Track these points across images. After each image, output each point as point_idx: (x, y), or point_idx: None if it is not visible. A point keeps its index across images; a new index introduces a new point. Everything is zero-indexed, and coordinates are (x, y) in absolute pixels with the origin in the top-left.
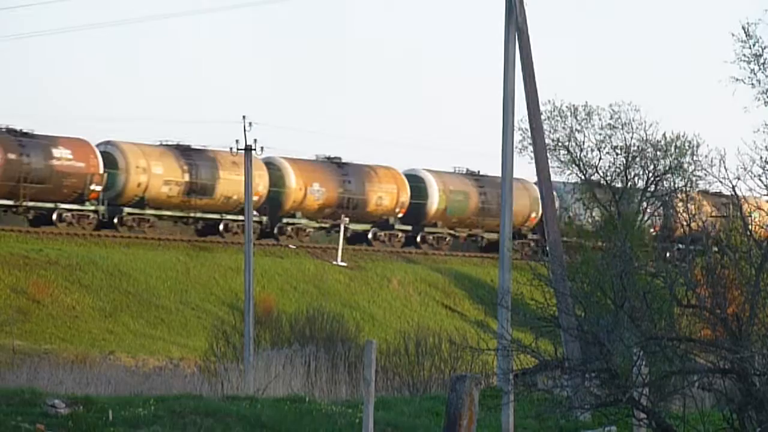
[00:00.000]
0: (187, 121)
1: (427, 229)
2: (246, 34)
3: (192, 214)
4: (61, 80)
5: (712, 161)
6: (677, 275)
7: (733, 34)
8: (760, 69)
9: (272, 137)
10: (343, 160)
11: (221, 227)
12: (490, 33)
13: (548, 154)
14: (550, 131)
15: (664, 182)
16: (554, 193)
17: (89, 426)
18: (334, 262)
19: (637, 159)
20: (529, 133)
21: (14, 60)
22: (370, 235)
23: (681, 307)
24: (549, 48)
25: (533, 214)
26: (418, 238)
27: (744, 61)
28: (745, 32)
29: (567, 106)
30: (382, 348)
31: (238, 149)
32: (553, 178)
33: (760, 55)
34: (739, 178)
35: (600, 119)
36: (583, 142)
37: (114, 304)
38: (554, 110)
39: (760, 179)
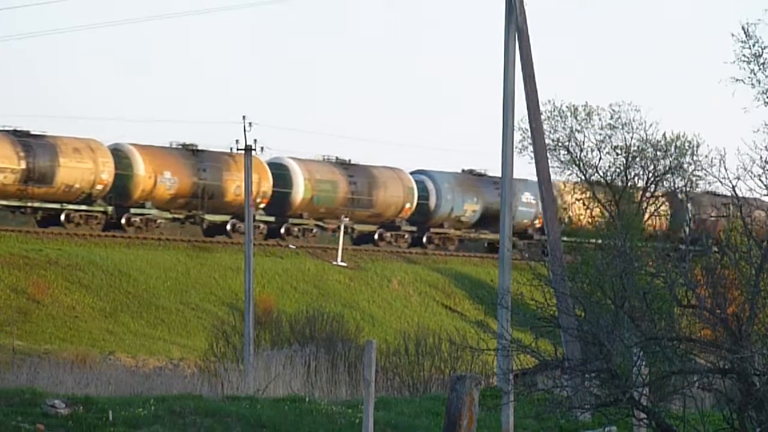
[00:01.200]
0: (186, 121)
1: (292, 221)
2: (246, 35)
3: (30, 204)
4: (61, 81)
5: (712, 161)
6: (677, 275)
7: (732, 35)
8: (759, 69)
9: (272, 137)
10: (199, 147)
11: (62, 218)
12: (490, 33)
13: (548, 155)
14: (550, 131)
15: (664, 182)
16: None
17: (89, 426)
18: (334, 263)
19: (637, 159)
20: (529, 133)
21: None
22: (229, 227)
23: (681, 307)
24: (549, 48)
25: (407, 205)
26: (282, 230)
27: (744, 61)
28: (744, 32)
29: (567, 106)
30: (382, 348)
31: (238, 149)
32: (553, 178)
33: (760, 56)
34: (739, 178)
35: (600, 119)
36: (583, 142)
37: (114, 305)
38: (554, 110)
39: (760, 179)
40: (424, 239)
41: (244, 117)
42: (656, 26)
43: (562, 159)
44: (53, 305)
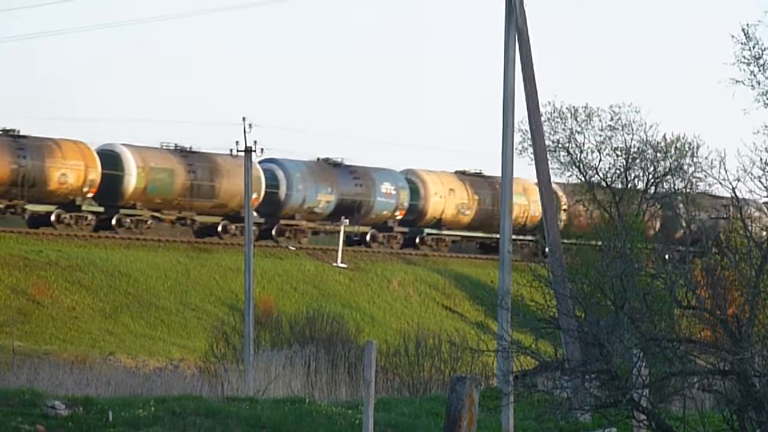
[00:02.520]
0: (186, 121)
1: (123, 211)
2: (246, 34)
3: None
4: (60, 81)
5: (712, 163)
6: (677, 276)
7: (732, 36)
8: (759, 71)
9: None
10: (21, 133)
11: None
12: (490, 33)
13: (548, 156)
14: (550, 133)
15: (664, 184)
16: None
17: (89, 427)
18: (334, 263)
19: (637, 160)
20: (529, 135)
21: None
22: (53, 218)
23: (681, 308)
24: (549, 48)
25: (254, 195)
26: (113, 221)
27: (744, 62)
28: (744, 34)
29: (567, 108)
30: (382, 349)
31: (238, 151)
32: (553, 179)
33: (760, 57)
34: (739, 180)
35: (600, 121)
36: (583, 143)
37: (114, 305)
38: (554, 112)
39: (760, 181)
40: (274, 231)
41: (244, 118)
42: (656, 28)
43: (562, 160)
44: (53, 306)
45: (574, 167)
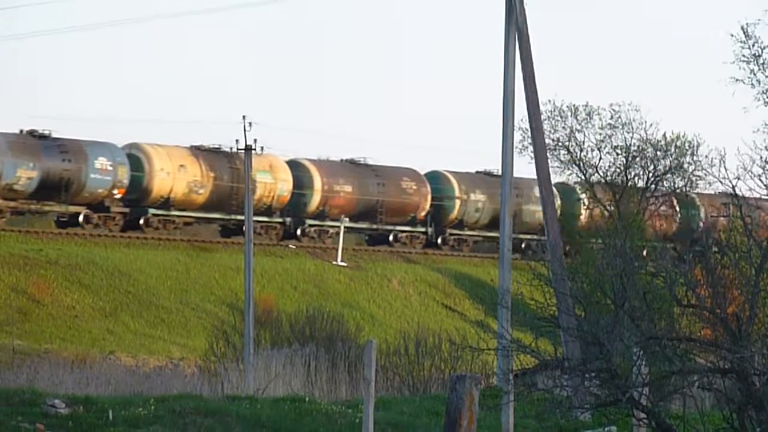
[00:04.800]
0: (186, 121)
1: None
2: (245, 35)
3: None
4: (59, 81)
5: (712, 161)
6: (677, 275)
7: (732, 35)
8: (759, 69)
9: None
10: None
11: None
12: (490, 33)
13: (548, 154)
14: (550, 131)
15: (665, 182)
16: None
17: (89, 426)
18: (334, 262)
19: (638, 159)
20: (529, 133)
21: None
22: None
23: (681, 307)
24: (549, 48)
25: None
26: None
27: (743, 61)
28: (744, 33)
29: (567, 106)
30: (382, 348)
31: (238, 149)
32: (554, 178)
33: (760, 56)
34: (739, 178)
35: (600, 119)
36: (584, 142)
37: (114, 304)
38: (554, 110)
39: (760, 179)
40: None
41: (244, 117)
42: (656, 26)
43: (563, 159)
44: (53, 305)
45: (574, 165)
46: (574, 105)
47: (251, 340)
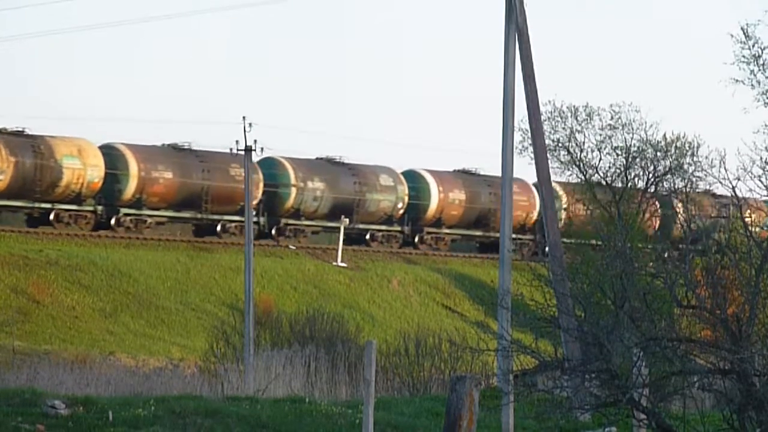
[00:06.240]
0: (186, 121)
1: None
2: (245, 35)
3: None
4: (60, 81)
5: (712, 162)
6: (677, 276)
7: (732, 35)
8: (759, 70)
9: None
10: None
11: None
12: (490, 33)
13: (548, 155)
14: (550, 132)
15: (665, 183)
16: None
17: (89, 426)
18: (334, 263)
19: (638, 160)
20: (529, 134)
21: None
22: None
23: (681, 307)
24: (549, 48)
25: None
26: None
27: (743, 62)
28: (744, 33)
29: (567, 107)
30: (382, 348)
31: (238, 150)
32: (554, 178)
33: (760, 57)
34: (739, 179)
35: (600, 120)
36: (584, 142)
37: (114, 305)
38: (554, 111)
39: (760, 180)
40: None
41: (244, 117)
42: (656, 27)
43: (562, 159)
44: (53, 305)
45: (574, 166)
46: (574, 105)
47: (251, 341)
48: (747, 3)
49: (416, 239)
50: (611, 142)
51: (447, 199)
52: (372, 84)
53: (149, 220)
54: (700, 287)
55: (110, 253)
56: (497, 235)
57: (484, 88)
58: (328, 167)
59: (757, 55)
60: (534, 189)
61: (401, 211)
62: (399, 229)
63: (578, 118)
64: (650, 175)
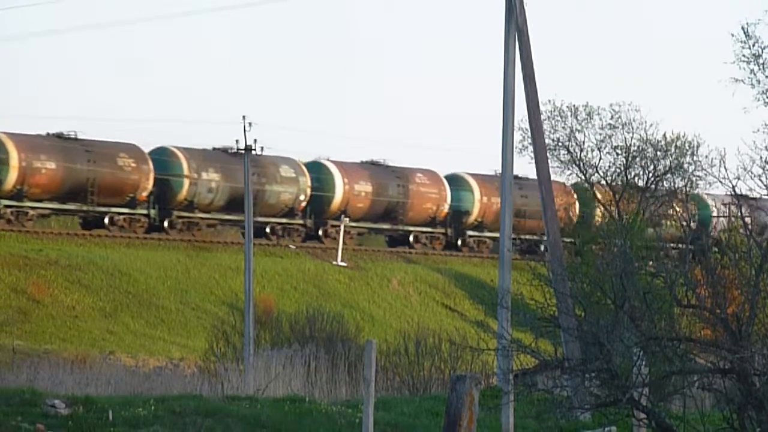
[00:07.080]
0: (186, 121)
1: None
2: (245, 34)
3: None
4: (59, 80)
5: (712, 161)
6: (677, 275)
7: (732, 35)
8: (759, 69)
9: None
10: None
11: None
12: (490, 33)
13: (548, 154)
14: (550, 131)
15: (665, 182)
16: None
17: (89, 426)
18: (334, 263)
19: (638, 159)
20: (529, 133)
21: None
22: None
23: (681, 307)
24: (549, 48)
25: None
26: None
27: (743, 61)
28: (744, 33)
29: (567, 106)
30: (382, 348)
31: (237, 149)
32: (553, 178)
33: (760, 56)
34: (739, 178)
35: (600, 119)
36: (584, 142)
37: (114, 304)
38: (554, 110)
39: (760, 179)
40: None
41: (244, 117)
42: (656, 27)
43: (562, 159)
44: (53, 305)
45: (574, 166)
46: (574, 105)
47: (251, 341)
48: (747, 3)
49: (320, 232)
50: (611, 141)
51: (353, 191)
52: (372, 84)
53: (31, 212)
54: (700, 287)
55: (110, 252)
56: (406, 228)
57: (483, 88)
58: (224, 158)
59: (757, 54)
60: (445, 181)
61: (303, 204)
62: (302, 222)
63: (578, 117)
64: (650, 175)
